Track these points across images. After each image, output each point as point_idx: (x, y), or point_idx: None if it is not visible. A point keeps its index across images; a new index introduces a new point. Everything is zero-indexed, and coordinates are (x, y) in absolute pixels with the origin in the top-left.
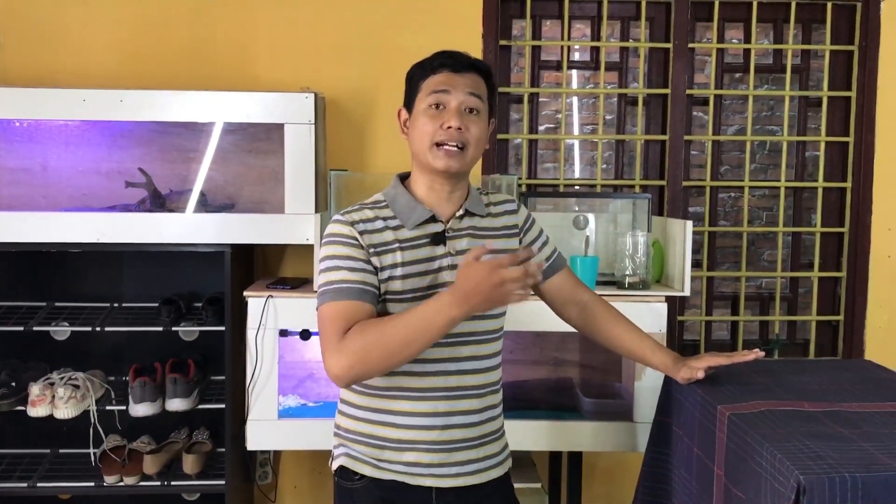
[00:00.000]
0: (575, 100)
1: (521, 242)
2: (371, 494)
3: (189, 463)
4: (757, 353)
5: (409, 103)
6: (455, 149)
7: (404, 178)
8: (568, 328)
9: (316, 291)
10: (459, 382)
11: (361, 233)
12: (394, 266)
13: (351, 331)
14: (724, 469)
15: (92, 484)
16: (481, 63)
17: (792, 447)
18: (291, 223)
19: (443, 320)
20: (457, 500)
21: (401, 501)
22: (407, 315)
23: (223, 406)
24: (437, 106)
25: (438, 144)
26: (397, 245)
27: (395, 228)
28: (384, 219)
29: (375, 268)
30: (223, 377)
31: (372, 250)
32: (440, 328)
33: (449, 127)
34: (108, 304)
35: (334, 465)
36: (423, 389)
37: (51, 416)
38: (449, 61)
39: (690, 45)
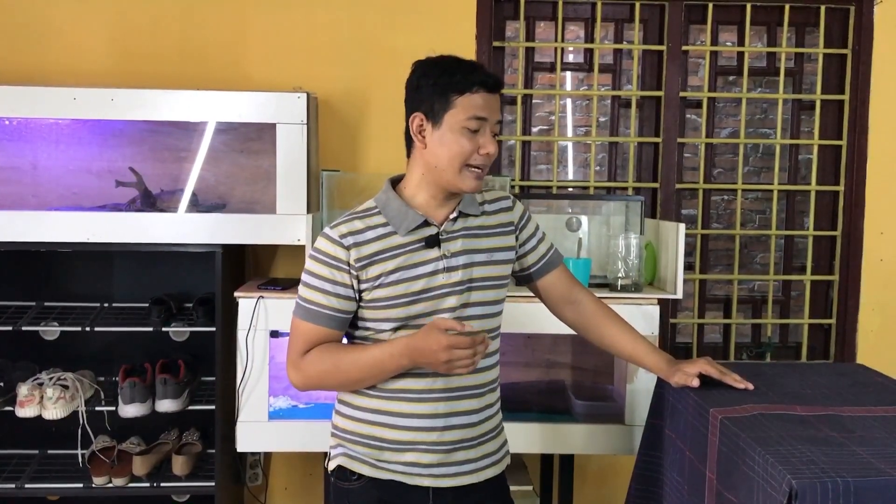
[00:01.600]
0: (568, 102)
1: (517, 239)
2: (369, 494)
3: (179, 464)
4: (748, 386)
5: (432, 112)
6: (482, 170)
7: (395, 182)
8: (560, 330)
9: None
10: (459, 383)
11: (350, 247)
12: (383, 275)
13: (311, 353)
14: (715, 473)
15: (80, 485)
16: (501, 79)
17: (784, 451)
18: (283, 223)
19: (393, 366)
20: (454, 500)
21: (398, 501)
22: (363, 354)
23: (213, 407)
24: (475, 129)
25: (469, 166)
26: (389, 253)
27: (387, 236)
28: (374, 227)
29: (358, 282)
30: (213, 378)
31: (359, 264)
32: (390, 372)
33: (487, 153)
34: (98, 304)
35: (331, 465)
36: (423, 391)
37: (39, 417)
38: (488, 80)
39: (684, 48)
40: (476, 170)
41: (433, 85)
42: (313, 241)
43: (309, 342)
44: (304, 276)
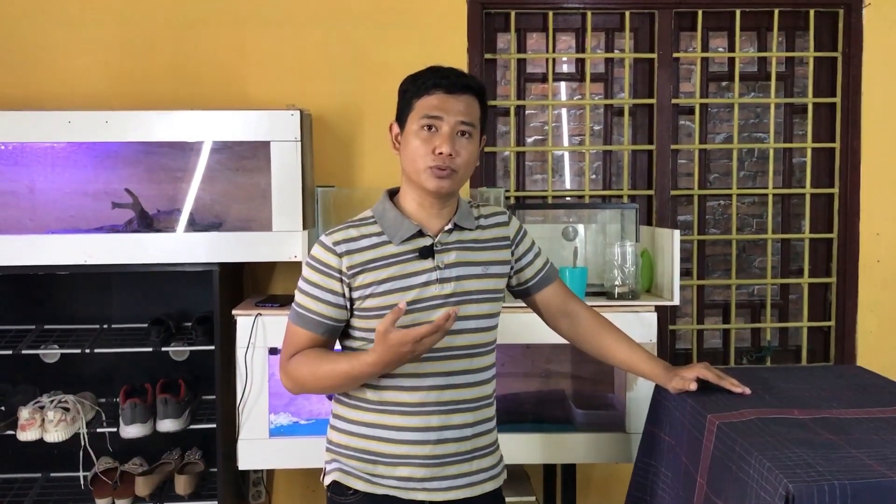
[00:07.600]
0: (563, 111)
1: (512, 254)
2: None
3: (181, 484)
4: (744, 390)
5: (401, 119)
6: (446, 171)
7: (393, 193)
8: (558, 340)
9: None
10: (452, 397)
11: (342, 254)
12: (374, 283)
13: (295, 358)
14: (706, 478)
15: None
16: (475, 82)
17: (780, 455)
18: (279, 241)
19: (366, 377)
20: None
21: None
22: (337, 362)
23: (214, 426)
24: (429, 128)
25: (430, 167)
26: (382, 262)
27: (381, 245)
28: (369, 236)
29: (350, 290)
30: (214, 396)
31: (351, 272)
32: (364, 380)
33: (440, 153)
34: (97, 326)
35: (327, 481)
36: (416, 404)
37: (41, 440)
38: (443, 82)
39: (675, 55)
40: (435, 170)
41: (403, 93)
42: None
43: (297, 346)
44: (299, 282)
